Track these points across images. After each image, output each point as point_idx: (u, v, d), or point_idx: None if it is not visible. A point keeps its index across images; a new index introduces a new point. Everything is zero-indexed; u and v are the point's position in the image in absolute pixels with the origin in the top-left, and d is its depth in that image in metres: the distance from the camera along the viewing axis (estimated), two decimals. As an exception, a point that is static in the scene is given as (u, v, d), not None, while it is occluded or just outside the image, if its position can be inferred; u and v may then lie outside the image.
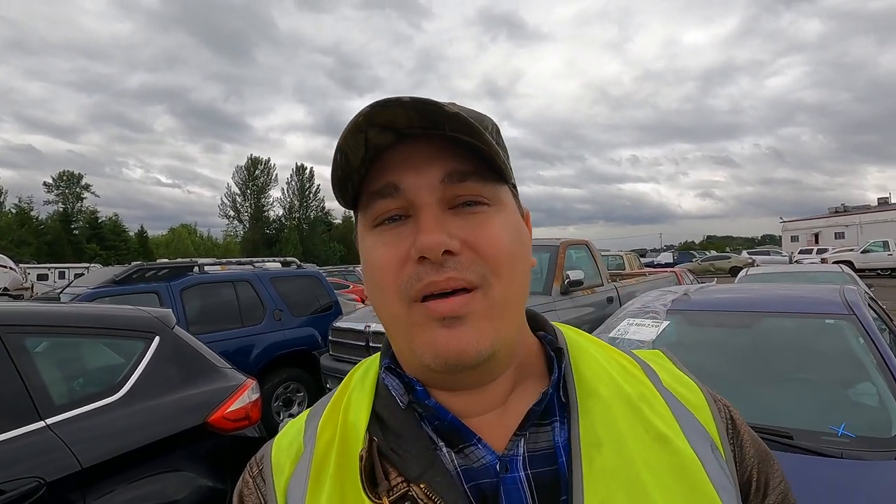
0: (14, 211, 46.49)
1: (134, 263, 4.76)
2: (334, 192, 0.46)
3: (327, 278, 6.20)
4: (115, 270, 4.65)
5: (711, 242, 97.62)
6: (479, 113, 0.46)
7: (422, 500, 0.41)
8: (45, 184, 52.82)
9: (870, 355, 2.00)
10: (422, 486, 0.42)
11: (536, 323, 0.54)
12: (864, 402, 1.90)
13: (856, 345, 2.11)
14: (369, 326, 4.12)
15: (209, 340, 4.51)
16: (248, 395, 2.30)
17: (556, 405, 0.47)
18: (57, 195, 52.40)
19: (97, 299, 4.02)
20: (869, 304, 2.58)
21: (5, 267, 18.43)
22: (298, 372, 5.06)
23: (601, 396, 0.47)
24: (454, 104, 0.43)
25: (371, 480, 0.43)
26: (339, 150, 0.42)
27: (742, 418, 0.53)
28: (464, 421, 0.45)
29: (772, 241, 73.14)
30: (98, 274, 5.03)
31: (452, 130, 0.41)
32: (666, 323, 2.57)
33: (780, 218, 49.33)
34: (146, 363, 2.03)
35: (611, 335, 2.57)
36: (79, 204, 53.06)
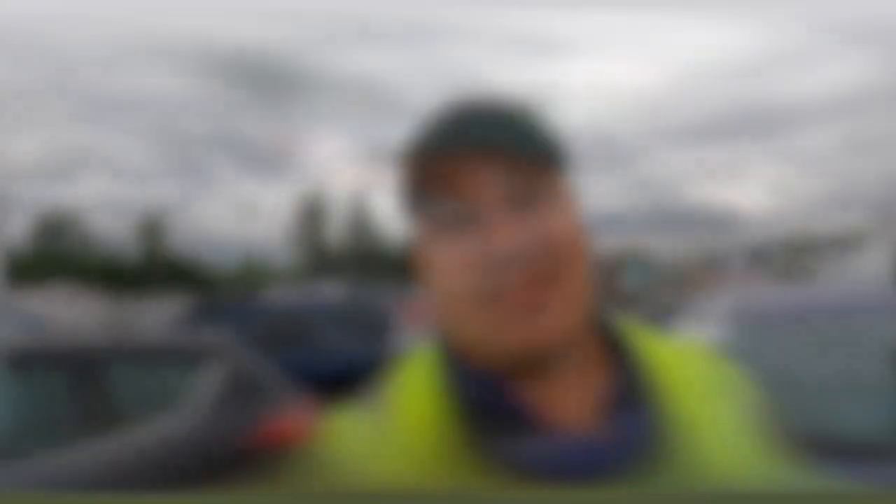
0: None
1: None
2: (403, 195, 0.49)
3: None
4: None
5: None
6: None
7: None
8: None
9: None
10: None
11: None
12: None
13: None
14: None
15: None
16: (302, 414, 2.39)
17: (626, 388, 0.48)
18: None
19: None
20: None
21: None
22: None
23: (675, 381, 0.49)
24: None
25: None
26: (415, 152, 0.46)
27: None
28: (538, 411, 0.46)
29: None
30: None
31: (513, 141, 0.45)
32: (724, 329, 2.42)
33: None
34: (210, 381, 2.17)
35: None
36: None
